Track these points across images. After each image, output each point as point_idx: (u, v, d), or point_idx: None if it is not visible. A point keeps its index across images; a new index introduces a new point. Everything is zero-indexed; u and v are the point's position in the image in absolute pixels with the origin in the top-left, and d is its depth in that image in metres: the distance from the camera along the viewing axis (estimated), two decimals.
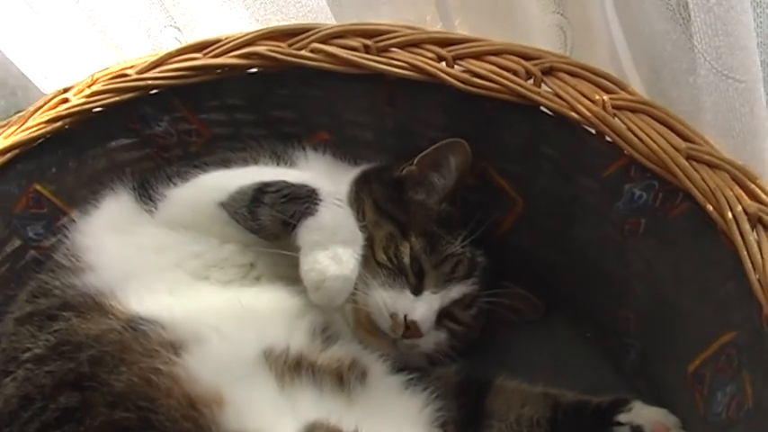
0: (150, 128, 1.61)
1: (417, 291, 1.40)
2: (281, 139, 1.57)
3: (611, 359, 1.54)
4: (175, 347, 1.19)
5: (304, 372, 1.23)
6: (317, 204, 1.28)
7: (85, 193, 1.51)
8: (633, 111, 1.32)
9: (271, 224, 1.29)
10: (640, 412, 1.34)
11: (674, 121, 1.29)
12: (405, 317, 1.35)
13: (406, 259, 1.40)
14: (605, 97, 1.32)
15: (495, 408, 1.43)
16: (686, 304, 1.31)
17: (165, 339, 1.20)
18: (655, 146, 1.27)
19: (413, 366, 1.43)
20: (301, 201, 1.28)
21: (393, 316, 1.36)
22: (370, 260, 1.38)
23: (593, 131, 1.35)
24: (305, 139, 1.59)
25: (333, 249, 1.25)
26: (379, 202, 1.47)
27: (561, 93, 1.36)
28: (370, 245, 1.37)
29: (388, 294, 1.37)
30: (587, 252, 1.49)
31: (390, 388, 1.35)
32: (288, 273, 1.33)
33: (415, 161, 1.48)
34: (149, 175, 1.47)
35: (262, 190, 1.31)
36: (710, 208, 1.21)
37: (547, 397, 1.42)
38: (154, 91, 1.57)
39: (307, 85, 1.57)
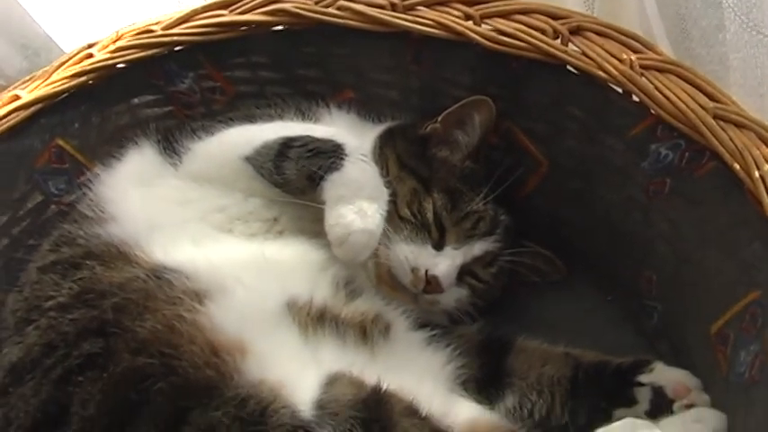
0: (174, 84, 1.59)
1: (439, 246, 1.39)
2: (305, 97, 1.55)
3: (634, 321, 1.52)
4: (199, 296, 1.18)
5: (327, 324, 1.23)
6: (342, 159, 1.27)
7: (108, 149, 1.49)
8: (660, 70, 1.30)
9: (296, 178, 1.29)
10: (662, 373, 1.33)
11: (702, 81, 1.27)
12: (426, 272, 1.35)
13: (429, 215, 1.39)
14: (633, 57, 1.31)
15: (516, 366, 1.42)
16: (710, 264, 1.29)
17: (189, 288, 1.19)
18: (682, 105, 1.26)
19: (435, 323, 1.42)
20: (327, 155, 1.28)
21: (414, 271, 1.35)
22: (392, 215, 1.36)
23: (620, 91, 1.34)
24: (329, 98, 1.56)
25: (358, 204, 1.25)
26: (403, 157, 1.45)
27: (588, 52, 1.34)
28: (393, 200, 1.35)
29: (410, 249, 1.36)
30: (611, 213, 1.47)
31: (413, 343, 1.35)
32: (311, 227, 1.33)
33: (440, 119, 1.47)
34: (174, 128, 1.46)
35: (287, 144, 1.31)
36: (737, 167, 1.20)
37: (568, 357, 1.40)
38: (179, 47, 1.55)
39: (332, 42, 1.55)
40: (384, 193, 1.31)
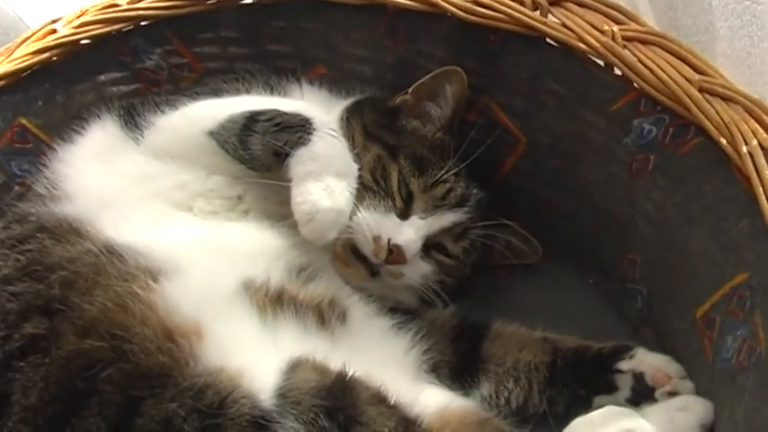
0: (141, 61, 1.54)
1: (404, 215, 1.32)
2: (276, 73, 1.49)
3: (616, 306, 1.46)
4: (153, 274, 1.12)
5: (286, 305, 1.17)
6: (310, 134, 1.22)
7: (73, 128, 1.41)
8: (644, 42, 1.25)
9: (262, 154, 1.23)
10: (643, 359, 1.28)
11: (687, 53, 1.22)
12: (389, 240, 1.28)
13: (393, 181, 1.33)
14: (615, 28, 1.25)
15: (492, 352, 1.35)
16: (696, 245, 1.23)
17: (143, 265, 1.13)
18: (666, 78, 1.20)
19: (403, 308, 1.36)
20: (294, 130, 1.22)
21: (376, 239, 1.28)
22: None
23: (602, 64, 1.29)
24: (301, 74, 1.51)
25: (326, 181, 1.19)
26: (369, 127, 1.40)
27: (569, 23, 1.29)
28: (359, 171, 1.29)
29: (373, 217, 1.29)
30: (593, 192, 1.42)
31: (373, 330, 1.28)
32: (276, 208, 1.28)
33: (410, 90, 1.42)
34: (137, 103, 1.39)
35: (253, 118, 1.25)
36: (724, 142, 1.14)
37: (546, 342, 1.35)
38: (145, 22, 1.51)
39: (304, 16, 1.51)
40: (353, 170, 1.25)
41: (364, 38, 1.50)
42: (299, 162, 1.20)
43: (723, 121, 1.15)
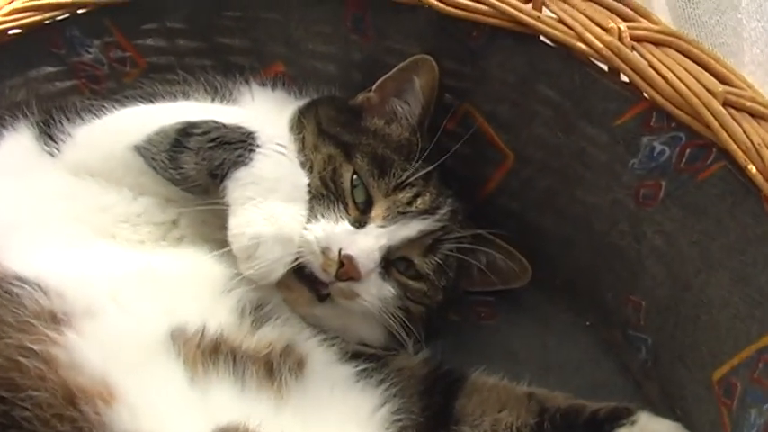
0: (78, 54, 1.37)
1: (360, 223, 1.14)
2: (229, 70, 1.33)
3: (616, 355, 1.32)
4: (57, 321, 0.95)
5: (222, 359, 1.01)
6: (252, 151, 1.06)
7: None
8: (656, 43, 1.09)
9: (196, 174, 1.06)
10: (647, 426, 1.12)
11: (709, 58, 1.07)
12: (339, 251, 1.10)
13: (346, 184, 1.16)
14: (622, 26, 1.10)
15: (467, 411, 1.16)
16: (715, 294, 1.09)
17: (45, 309, 0.96)
18: (683, 88, 1.05)
19: (369, 353, 1.17)
20: (233, 146, 1.06)
21: (325, 251, 1.10)
22: None
23: (605, 68, 1.15)
24: (257, 72, 1.36)
25: (270, 208, 1.04)
26: (324, 125, 1.22)
27: (567, 19, 1.13)
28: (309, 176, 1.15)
29: (321, 226, 1.11)
30: (592, 221, 1.27)
31: (335, 381, 1.11)
32: (218, 235, 1.10)
33: (375, 87, 1.25)
34: (55, 109, 1.21)
35: (186, 131, 1.08)
36: (753, 169, 1.00)
37: (532, 399, 1.17)
38: (82, 10, 1.34)
39: (260, 6, 1.35)
40: (305, 193, 1.10)
41: (328, 32, 1.33)
42: (238, 185, 1.04)
43: (752, 142, 1.00)
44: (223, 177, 1.04)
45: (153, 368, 0.96)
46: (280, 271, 1.03)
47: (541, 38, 1.17)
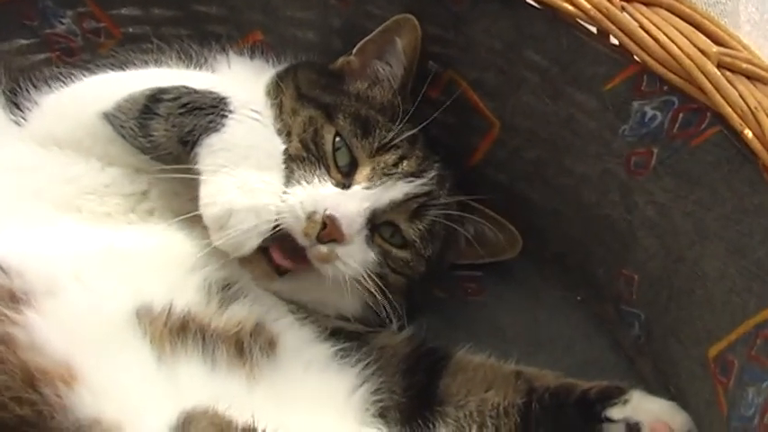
0: (51, 26, 1.32)
1: (344, 186, 1.10)
2: (206, 40, 1.26)
3: (608, 331, 1.27)
4: (16, 299, 0.90)
5: (191, 338, 0.96)
6: (224, 117, 1.00)
7: None
8: (647, 3, 1.05)
9: (166, 141, 1.01)
10: (639, 405, 1.07)
11: (702, 18, 1.03)
12: (324, 212, 1.05)
13: (328, 146, 1.11)
14: None
15: (451, 391, 1.11)
16: (710, 266, 1.05)
17: (5, 288, 0.91)
18: (675, 49, 1.01)
19: (349, 329, 1.12)
20: (204, 112, 1.00)
21: (310, 215, 1.04)
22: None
23: (594, 30, 1.10)
24: (235, 41, 1.30)
25: (242, 175, 0.98)
26: (303, 88, 1.17)
27: None
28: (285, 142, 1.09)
29: (303, 189, 1.06)
30: (581, 191, 1.21)
31: (310, 361, 1.06)
32: (190, 207, 1.04)
33: (355, 50, 1.20)
34: (23, 77, 1.16)
35: (156, 97, 1.02)
36: (749, 134, 0.96)
37: (519, 378, 1.12)
38: None
39: None
40: (279, 160, 1.04)
41: None
42: (210, 152, 0.98)
43: (748, 105, 0.96)
44: (194, 144, 0.99)
45: (118, 348, 0.92)
46: (254, 241, 0.98)
47: (527, 0, 1.12)
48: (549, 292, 1.30)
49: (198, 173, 0.98)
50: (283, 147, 1.05)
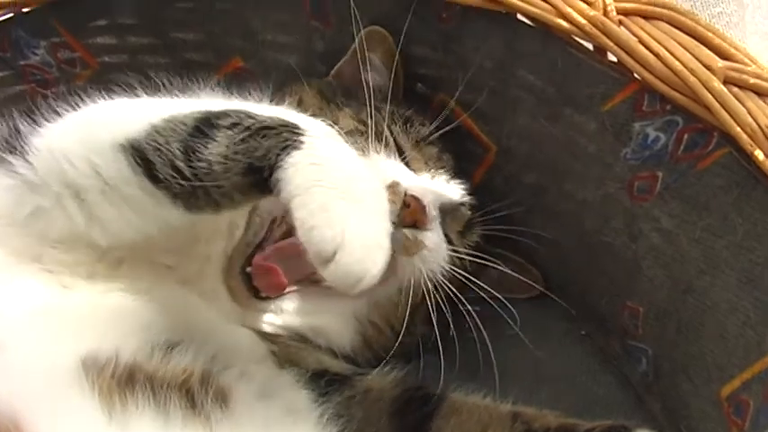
0: (25, 57, 1.27)
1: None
2: (185, 67, 1.17)
3: (614, 367, 1.19)
4: None
5: (140, 389, 0.85)
6: (299, 134, 0.83)
7: None
8: (646, 16, 0.98)
9: (222, 171, 0.83)
10: None
11: (706, 30, 0.95)
12: (405, 192, 0.97)
13: (383, 124, 1.05)
14: None
15: None
16: (721, 297, 0.97)
17: None
18: (677, 65, 0.93)
19: (332, 373, 1.01)
20: (275, 132, 0.83)
21: (392, 185, 0.96)
22: None
23: (590, 47, 1.03)
24: (215, 69, 1.23)
25: (347, 190, 0.80)
26: (325, 92, 1.11)
27: None
28: None
29: (381, 159, 1.01)
30: (582, 218, 1.14)
31: (277, 412, 0.93)
32: (164, 259, 0.96)
33: (332, 74, 1.15)
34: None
35: (210, 121, 0.85)
36: (760, 155, 0.88)
37: (517, 420, 1.02)
38: (27, 9, 1.23)
39: None
40: (370, 171, 0.86)
41: (286, 19, 1.19)
42: (298, 170, 0.80)
43: (758, 124, 0.89)
44: (272, 168, 0.81)
45: (65, 402, 0.83)
46: (377, 268, 0.77)
47: (519, 16, 1.05)
48: (551, 325, 1.21)
49: (285, 199, 0.80)
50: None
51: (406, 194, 0.95)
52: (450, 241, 1.05)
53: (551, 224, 1.18)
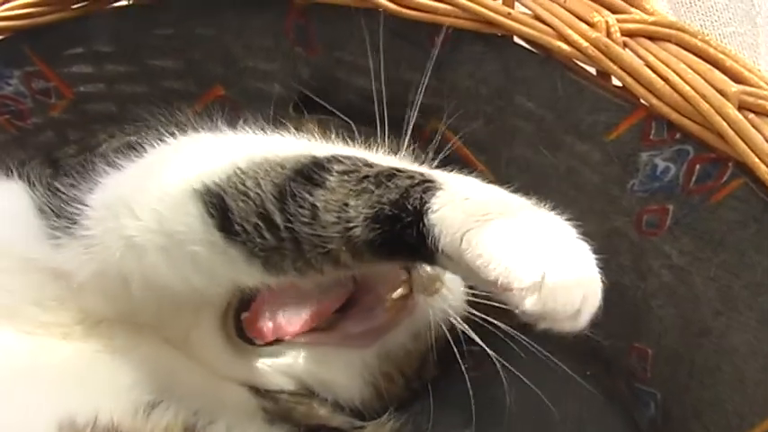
0: None
1: None
2: (165, 97, 1.14)
3: (622, 410, 1.11)
4: None
5: None
6: (430, 180, 0.71)
7: None
8: (653, 38, 0.90)
9: (333, 223, 0.71)
10: None
11: (717, 52, 0.88)
12: None
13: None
14: (610, 18, 0.91)
15: None
16: (740, 339, 0.90)
17: None
18: (688, 90, 0.86)
19: (329, 428, 0.95)
20: (405, 175, 0.72)
21: None
22: None
23: (593, 71, 0.94)
24: (195, 97, 1.16)
25: (518, 216, 0.70)
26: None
27: (543, 14, 0.93)
28: None
29: None
30: None
31: None
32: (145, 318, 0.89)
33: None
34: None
35: (322, 165, 0.74)
36: None
37: None
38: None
39: (192, 20, 1.13)
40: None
41: (269, 45, 1.11)
42: (454, 208, 0.69)
43: None
44: (420, 213, 0.68)
45: None
46: (594, 274, 0.73)
47: (516, 39, 0.97)
48: (554, 366, 1.09)
49: (450, 243, 0.67)
50: None
51: None
52: None
53: None
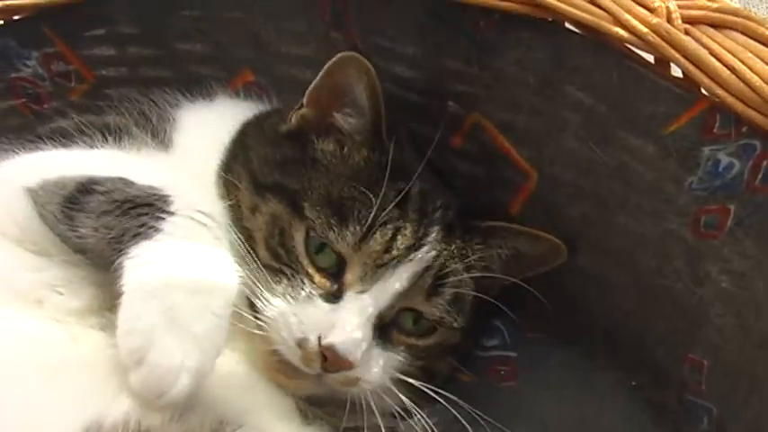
0: (15, 69, 1.16)
1: (335, 296, 0.89)
2: (190, 81, 1.10)
3: (670, 423, 1.03)
4: None
5: None
6: (160, 220, 0.80)
7: None
8: (717, 25, 0.85)
9: (95, 243, 0.80)
10: None
11: None
12: (318, 340, 0.85)
13: (300, 248, 0.90)
14: (671, 3, 0.86)
15: None
16: None
17: None
18: (755, 80, 0.81)
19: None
20: (138, 212, 0.81)
21: (301, 343, 0.86)
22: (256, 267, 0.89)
23: (651, 59, 0.89)
24: (223, 83, 1.12)
25: (173, 298, 0.75)
26: (259, 175, 0.95)
27: None
28: (251, 246, 0.89)
29: (291, 309, 0.87)
30: (637, 257, 1.00)
31: None
32: None
33: (305, 101, 0.97)
34: None
35: (87, 188, 0.83)
36: None
37: None
38: (18, 16, 1.13)
39: (221, 3, 1.11)
40: (232, 277, 0.80)
41: (302, 30, 1.08)
42: (134, 266, 0.77)
43: None
44: (119, 253, 0.78)
45: None
46: (180, 389, 0.74)
47: (567, 25, 0.92)
48: (597, 375, 1.07)
49: (118, 292, 0.76)
50: (232, 261, 0.83)
51: (321, 344, 0.84)
52: (420, 315, 0.93)
53: (601, 262, 1.04)
